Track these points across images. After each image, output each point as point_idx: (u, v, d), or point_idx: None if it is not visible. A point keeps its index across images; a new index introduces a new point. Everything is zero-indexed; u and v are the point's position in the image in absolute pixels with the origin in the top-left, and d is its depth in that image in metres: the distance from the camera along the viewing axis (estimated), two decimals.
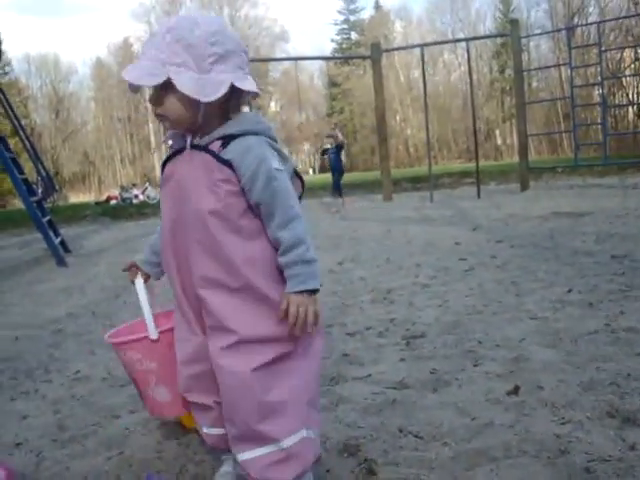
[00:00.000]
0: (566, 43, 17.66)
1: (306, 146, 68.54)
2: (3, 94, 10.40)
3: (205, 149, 1.82)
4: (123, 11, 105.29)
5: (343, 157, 16.75)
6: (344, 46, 71.95)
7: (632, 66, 41.61)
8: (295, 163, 1.99)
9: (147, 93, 1.87)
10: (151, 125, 58.83)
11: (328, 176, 18.10)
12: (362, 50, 55.58)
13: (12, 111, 10.53)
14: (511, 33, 15.56)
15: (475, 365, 3.13)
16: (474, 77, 16.63)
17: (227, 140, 1.81)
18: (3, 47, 11.01)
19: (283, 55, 54.98)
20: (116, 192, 35.05)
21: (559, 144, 47.88)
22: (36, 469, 2.41)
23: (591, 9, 49.61)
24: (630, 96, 44.50)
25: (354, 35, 73.06)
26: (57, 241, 9.40)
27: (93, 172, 66.77)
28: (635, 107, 41.52)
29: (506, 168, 23.69)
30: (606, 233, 7.08)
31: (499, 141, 60.87)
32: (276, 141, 1.90)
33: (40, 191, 11.13)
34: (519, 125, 15.64)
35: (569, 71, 16.23)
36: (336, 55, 67.45)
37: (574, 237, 7.08)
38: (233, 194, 1.79)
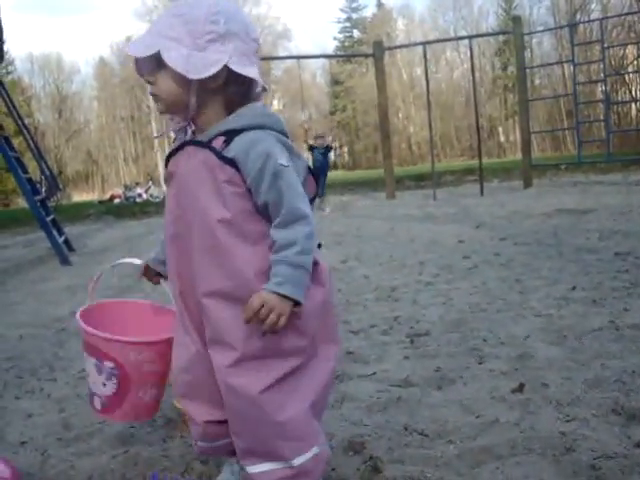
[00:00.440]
0: (569, 40, 17.66)
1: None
2: (7, 93, 10.41)
3: (207, 145, 1.72)
4: (126, 10, 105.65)
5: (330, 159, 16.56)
6: (346, 44, 71.91)
7: (635, 63, 41.45)
8: (307, 161, 1.86)
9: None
10: (154, 124, 58.80)
11: (332, 174, 18.04)
12: (364, 48, 55.43)
13: (16, 110, 10.55)
14: (514, 30, 15.58)
15: (480, 363, 3.13)
16: (477, 74, 16.58)
17: (230, 136, 1.71)
18: (5, 47, 11.01)
19: (286, 53, 54.98)
20: (119, 191, 35.14)
21: (562, 141, 47.87)
22: (41, 467, 2.40)
23: (593, 6, 49.59)
24: (633, 93, 44.38)
25: (356, 33, 73.06)
26: (61, 240, 9.40)
27: (96, 171, 66.85)
28: (638, 104, 41.42)
29: (509, 165, 23.69)
30: (610, 230, 7.07)
31: (502, 138, 60.82)
32: (287, 135, 1.78)
33: (44, 190, 11.14)
34: (522, 122, 15.65)
35: (572, 68, 16.22)
36: (338, 53, 67.41)
37: (578, 234, 7.07)
38: (239, 196, 1.69)
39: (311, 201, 1.81)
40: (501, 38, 54.62)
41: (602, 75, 16.43)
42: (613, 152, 16.25)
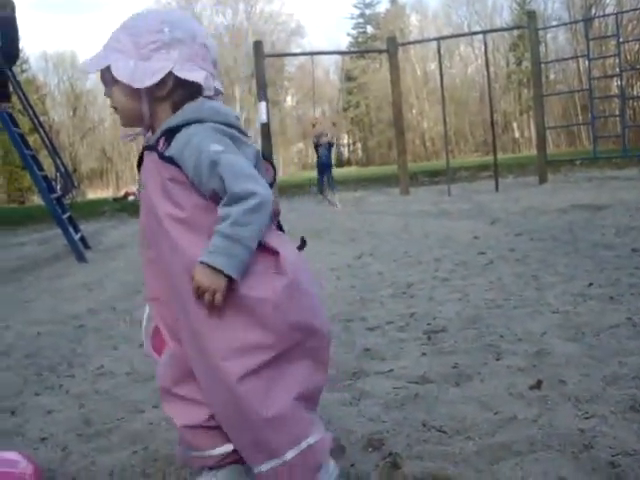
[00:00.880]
0: (584, 34, 17.55)
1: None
2: (22, 91, 10.46)
3: (153, 148, 1.76)
4: (139, 8, 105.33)
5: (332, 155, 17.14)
6: (360, 40, 71.75)
7: None
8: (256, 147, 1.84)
9: None
10: None
11: (345, 170, 18.13)
12: (378, 44, 55.39)
13: (31, 108, 10.59)
14: (528, 25, 15.49)
15: (497, 359, 3.13)
16: (491, 70, 16.52)
17: (170, 134, 1.74)
18: (20, 45, 11.03)
19: (299, 50, 54.90)
20: (134, 188, 35.14)
21: (577, 136, 47.54)
22: (62, 463, 2.43)
23: (608, 0, 49.23)
24: None
25: (370, 29, 72.90)
26: (77, 237, 9.45)
27: (110, 168, 67.02)
28: None
29: (524, 161, 23.57)
30: (626, 226, 7.04)
31: (516, 134, 60.53)
32: (231, 125, 1.78)
33: (59, 187, 11.19)
34: (537, 118, 15.57)
35: (587, 63, 16.13)
36: (352, 49, 67.27)
37: (593, 230, 7.05)
38: (187, 192, 1.70)
39: (270, 186, 1.78)
40: (515, 33, 54.36)
41: (617, 70, 16.35)
42: (629, 147, 16.14)
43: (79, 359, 3.93)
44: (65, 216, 9.47)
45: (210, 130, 1.71)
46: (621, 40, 16.09)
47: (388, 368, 3.14)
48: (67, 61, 64.20)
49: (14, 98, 10.29)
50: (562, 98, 46.35)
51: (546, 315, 3.85)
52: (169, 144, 1.73)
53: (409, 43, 29.85)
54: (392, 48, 16.34)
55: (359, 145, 72.97)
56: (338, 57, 67.57)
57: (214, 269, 1.63)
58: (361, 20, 73.95)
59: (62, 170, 10.82)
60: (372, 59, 63.77)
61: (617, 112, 20.04)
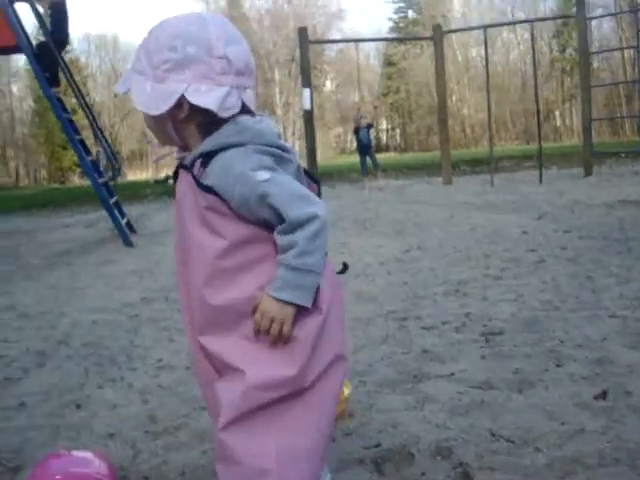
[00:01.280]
0: (631, 23, 17.21)
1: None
2: (70, 74, 10.57)
3: (189, 170, 1.64)
4: None
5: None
6: (401, 25, 71.14)
7: None
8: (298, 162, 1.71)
9: None
10: None
11: (384, 155, 18.18)
12: (419, 29, 54.87)
13: (80, 93, 10.69)
14: (576, 14, 15.22)
15: (558, 366, 3.12)
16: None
17: (206, 159, 1.61)
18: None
19: (339, 34, 54.55)
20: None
21: (621, 127, 46.80)
22: (133, 461, 2.46)
23: None
24: None
25: (411, 13, 72.22)
26: (124, 222, 9.56)
27: (151, 150, 67.53)
28: None
29: (567, 150, 23.24)
30: None
31: (558, 122, 59.71)
32: (274, 145, 1.64)
33: (102, 169, 11.30)
34: (584, 109, 15.29)
35: (633, 53, 15.83)
36: (393, 34, 66.73)
37: None
38: (227, 221, 1.59)
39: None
40: (559, 20, 53.52)
41: None
42: None
43: (137, 351, 3.99)
44: (112, 201, 9.58)
45: (251, 153, 1.58)
46: None
47: (449, 371, 3.15)
48: (109, 43, 64.68)
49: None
50: (606, 87, 45.64)
51: (604, 320, 3.82)
52: (205, 167, 1.61)
53: (455, 31, 29.40)
54: (437, 36, 16.17)
55: (397, 131, 72.51)
56: (379, 42, 67.11)
57: (283, 302, 1.56)
58: (402, 4, 73.28)
59: (109, 152, 10.92)
60: (413, 45, 63.24)
61: None
